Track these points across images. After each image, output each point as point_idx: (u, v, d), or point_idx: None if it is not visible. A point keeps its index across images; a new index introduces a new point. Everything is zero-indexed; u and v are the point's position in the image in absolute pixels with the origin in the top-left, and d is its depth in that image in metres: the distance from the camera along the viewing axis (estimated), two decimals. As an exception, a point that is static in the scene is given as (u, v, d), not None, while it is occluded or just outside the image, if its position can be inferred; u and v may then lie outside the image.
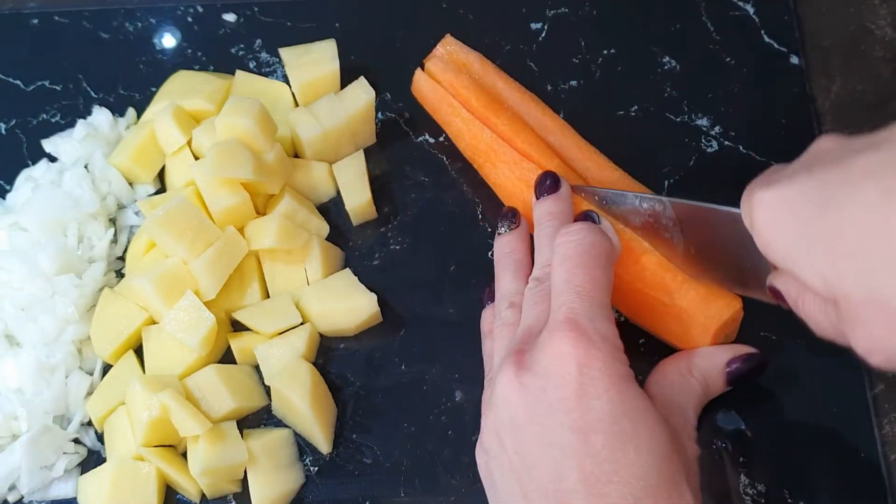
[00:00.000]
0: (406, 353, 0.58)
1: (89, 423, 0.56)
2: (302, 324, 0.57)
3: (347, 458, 0.55)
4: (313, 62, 0.63)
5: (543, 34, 0.67)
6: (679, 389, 0.51)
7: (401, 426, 0.56)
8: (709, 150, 0.63)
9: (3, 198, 0.63)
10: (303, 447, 0.55)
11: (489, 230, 0.61)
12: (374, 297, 0.57)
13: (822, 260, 0.39)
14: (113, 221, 0.62)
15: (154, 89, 0.65)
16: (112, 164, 0.62)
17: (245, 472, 0.53)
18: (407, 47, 0.66)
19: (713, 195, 0.60)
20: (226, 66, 0.67)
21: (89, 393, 0.57)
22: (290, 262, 0.58)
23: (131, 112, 0.65)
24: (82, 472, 0.54)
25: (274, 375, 0.55)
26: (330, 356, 0.58)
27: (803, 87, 0.65)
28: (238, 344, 0.57)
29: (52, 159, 0.64)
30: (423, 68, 0.62)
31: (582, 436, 0.42)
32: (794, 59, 0.65)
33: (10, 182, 0.63)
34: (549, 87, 0.65)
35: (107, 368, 0.57)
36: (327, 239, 0.60)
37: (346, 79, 0.62)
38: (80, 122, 0.64)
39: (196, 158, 0.60)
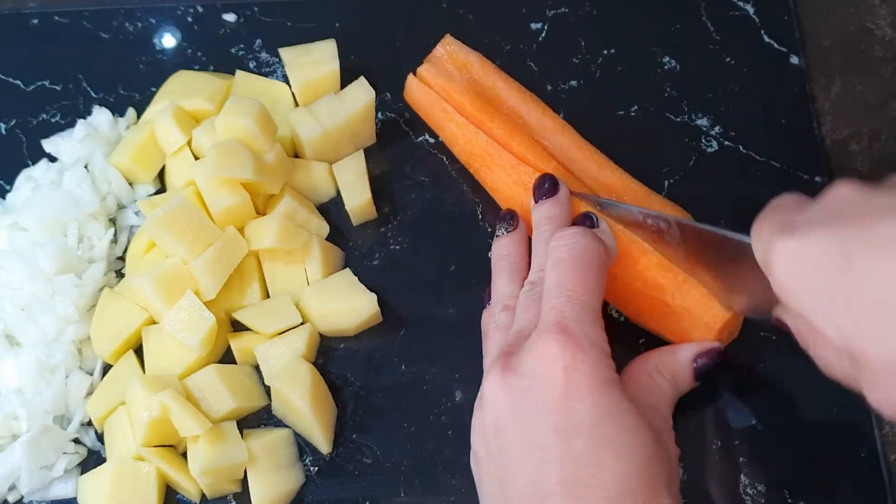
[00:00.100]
0: (406, 353, 0.58)
1: (89, 423, 0.56)
2: (302, 324, 0.57)
3: (347, 458, 0.55)
4: (313, 62, 0.63)
5: (543, 34, 0.67)
6: (649, 390, 0.51)
7: (401, 426, 0.56)
8: (709, 150, 0.63)
9: (3, 198, 0.63)
10: (303, 447, 0.55)
11: (489, 230, 0.61)
12: (374, 297, 0.57)
13: (842, 317, 0.39)
14: (113, 221, 0.62)
15: (154, 89, 0.65)
16: (112, 164, 0.62)
17: (245, 472, 0.53)
18: (407, 47, 0.66)
19: (713, 195, 0.60)
20: (226, 66, 0.67)
21: (89, 393, 0.57)
22: (290, 262, 0.58)
23: (131, 112, 0.65)
24: (82, 472, 0.54)
25: (274, 375, 0.55)
26: (330, 356, 0.58)
27: (803, 87, 0.65)
28: (238, 344, 0.57)
29: (52, 159, 0.64)
30: (414, 73, 0.62)
31: (564, 438, 0.42)
32: (794, 59, 0.65)
33: (10, 182, 0.63)
34: (549, 87, 0.65)
35: (107, 368, 0.57)
36: (327, 239, 0.60)
37: (346, 79, 0.62)
38: (80, 122, 0.64)
39: (196, 158, 0.60)
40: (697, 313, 0.52)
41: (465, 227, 0.61)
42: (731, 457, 0.54)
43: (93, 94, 0.66)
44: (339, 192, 0.62)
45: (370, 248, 0.61)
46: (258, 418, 0.56)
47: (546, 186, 0.54)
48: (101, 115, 0.64)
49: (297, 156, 0.63)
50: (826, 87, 0.65)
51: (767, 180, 0.61)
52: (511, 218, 0.56)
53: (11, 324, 0.57)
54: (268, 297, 0.59)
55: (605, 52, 0.67)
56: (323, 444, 0.55)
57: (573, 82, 0.66)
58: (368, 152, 0.63)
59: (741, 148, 0.63)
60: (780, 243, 0.41)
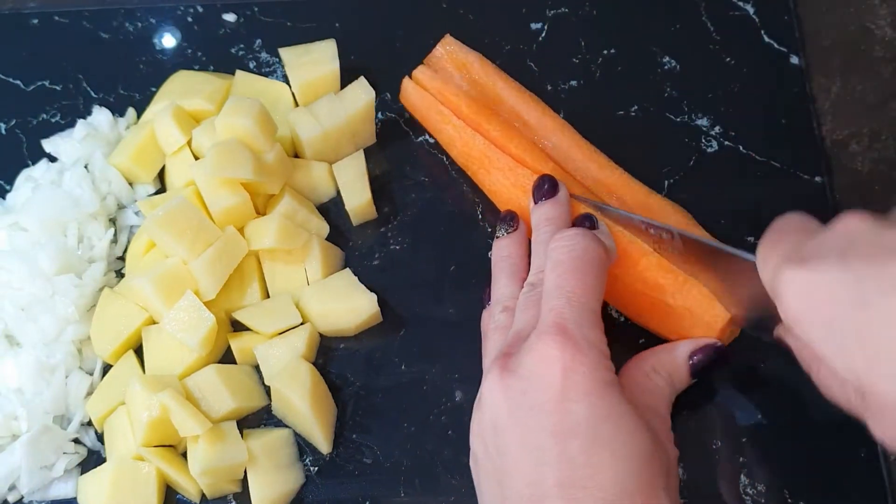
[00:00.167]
0: (406, 353, 0.58)
1: (89, 423, 0.56)
2: (302, 324, 0.57)
3: (347, 458, 0.55)
4: (313, 62, 0.63)
5: (543, 34, 0.67)
6: (646, 390, 0.51)
7: (401, 426, 0.56)
8: (709, 150, 0.63)
9: (3, 198, 0.63)
10: (303, 447, 0.55)
11: (489, 230, 0.61)
12: (374, 297, 0.57)
13: (854, 354, 0.39)
14: (113, 221, 0.62)
15: (154, 89, 0.65)
16: (112, 164, 0.62)
17: (245, 472, 0.53)
18: (407, 47, 0.66)
19: (713, 195, 0.60)
20: (226, 66, 0.67)
21: (89, 393, 0.57)
22: (290, 262, 0.58)
23: (131, 112, 0.65)
24: (82, 472, 0.55)
25: (274, 375, 0.55)
26: (330, 356, 0.58)
27: (803, 87, 0.65)
28: (238, 344, 0.57)
29: (52, 159, 0.64)
30: (410, 76, 0.62)
31: (560, 440, 0.42)
32: (794, 59, 0.65)
33: (10, 182, 0.63)
34: (549, 87, 0.65)
35: (107, 368, 0.57)
36: (327, 239, 0.60)
37: (346, 79, 0.62)
38: (80, 122, 0.64)
39: (196, 158, 0.60)
40: (698, 313, 0.52)
41: (465, 227, 0.61)
42: (731, 457, 0.54)
43: (93, 94, 0.66)
44: (339, 192, 0.62)
45: (370, 248, 0.61)
46: (258, 418, 0.56)
47: (545, 187, 0.54)
48: (101, 115, 0.64)
49: (297, 156, 0.63)
50: (826, 87, 0.65)
51: (767, 180, 0.61)
52: (511, 219, 0.56)
53: (11, 324, 0.57)
54: (268, 297, 0.59)
55: (605, 52, 0.67)
56: (323, 444, 0.55)
57: (573, 82, 0.66)
58: (368, 152, 0.63)
59: (741, 148, 0.63)
60: (790, 272, 0.41)
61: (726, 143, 0.63)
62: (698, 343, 0.52)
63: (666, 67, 0.66)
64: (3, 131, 0.65)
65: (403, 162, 0.63)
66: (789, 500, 0.53)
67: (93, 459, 0.56)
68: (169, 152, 0.61)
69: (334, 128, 0.61)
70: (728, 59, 0.66)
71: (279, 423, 0.56)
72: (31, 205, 0.59)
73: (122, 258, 0.61)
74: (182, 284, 0.55)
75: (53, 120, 0.65)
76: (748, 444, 0.54)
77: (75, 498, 0.54)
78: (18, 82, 0.67)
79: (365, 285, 0.57)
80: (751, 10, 0.67)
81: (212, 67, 0.67)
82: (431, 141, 0.64)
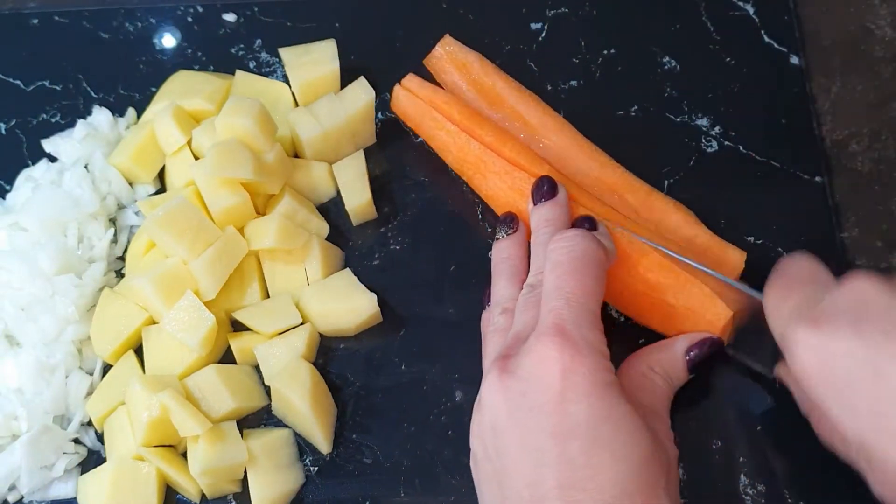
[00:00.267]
0: (406, 353, 0.58)
1: (89, 423, 0.56)
2: (302, 324, 0.57)
3: (347, 458, 0.55)
4: (313, 62, 0.63)
5: (543, 34, 0.67)
6: (644, 390, 0.51)
7: (401, 426, 0.56)
8: (709, 150, 0.63)
9: (3, 198, 0.63)
10: (303, 447, 0.55)
11: (489, 230, 0.61)
12: (374, 297, 0.57)
13: (864, 422, 0.40)
14: (113, 221, 0.62)
15: (154, 89, 0.65)
16: (112, 164, 0.62)
17: (245, 472, 0.53)
18: (407, 47, 0.66)
19: (713, 195, 0.60)
20: (226, 66, 0.67)
21: (89, 393, 0.57)
22: (290, 262, 0.58)
23: (131, 112, 0.65)
24: (82, 472, 0.55)
25: (274, 375, 0.55)
26: (330, 356, 0.58)
27: (803, 87, 0.65)
28: (238, 344, 0.57)
29: (52, 159, 0.64)
30: (412, 74, 0.62)
31: (560, 441, 0.42)
32: (794, 59, 0.65)
33: (10, 182, 0.63)
34: (549, 87, 0.65)
35: (107, 368, 0.57)
36: (327, 239, 0.60)
37: (346, 79, 0.62)
38: (80, 122, 0.64)
39: (196, 158, 0.60)
40: (700, 312, 0.52)
41: (465, 227, 0.61)
42: (731, 457, 0.54)
43: (93, 94, 0.66)
44: (339, 192, 0.62)
45: (370, 248, 0.61)
46: (258, 418, 0.56)
47: (545, 189, 0.54)
48: (101, 115, 0.64)
49: (297, 156, 0.63)
50: (826, 87, 0.65)
51: (767, 180, 0.61)
52: (511, 220, 0.56)
53: (11, 324, 0.57)
54: (268, 297, 0.59)
55: (605, 52, 0.67)
56: (323, 444, 0.55)
57: (573, 82, 0.66)
58: (368, 152, 0.63)
59: (741, 148, 0.63)
60: (803, 332, 0.42)
61: (726, 143, 0.63)
62: (694, 338, 0.52)
63: (666, 67, 0.66)
64: (3, 131, 0.65)
65: (403, 162, 0.63)
66: (789, 500, 0.53)
67: (93, 459, 0.56)
68: (169, 152, 0.61)
69: (334, 128, 0.61)
70: (728, 59, 0.66)
71: (279, 423, 0.56)
72: (31, 205, 0.59)
73: (122, 258, 0.61)
74: (182, 284, 0.55)
75: (53, 120, 0.65)
76: (748, 444, 0.54)
77: (75, 498, 0.54)
78: (18, 82, 0.67)
79: (365, 285, 0.57)
80: (751, 10, 0.67)
81: (212, 67, 0.67)
82: (431, 141, 0.64)
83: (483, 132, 0.58)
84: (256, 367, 0.57)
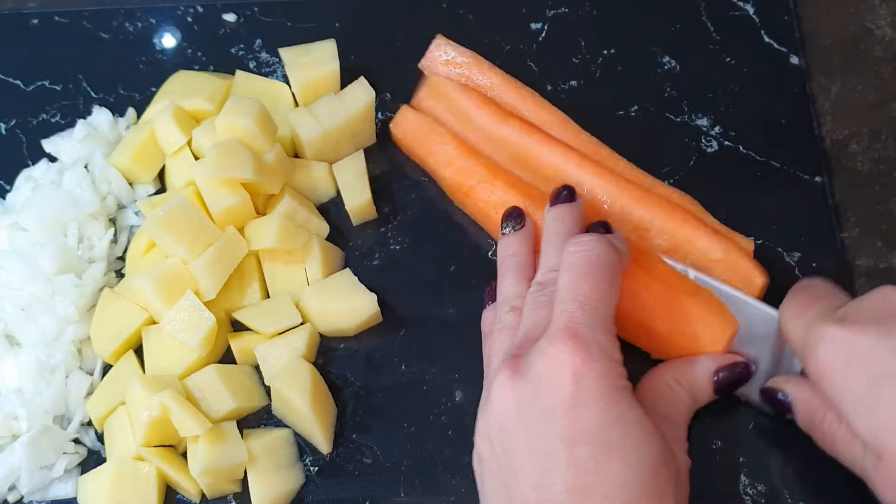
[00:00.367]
0: (406, 353, 0.58)
1: (89, 423, 0.56)
2: (302, 324, 0.57)
3: (347, 458, 0.55)
4: (313, 62, 0.63)
5: (543, 34, 0.67)
6: (667, 400, 0.50)
7: (401, 426, 0.56)
8: (709, 150, 0.63)
9: (3, 198, 0.63)
10: (303, 447, 0.55)
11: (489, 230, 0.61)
12: (374, 297, 0.57)
13: (883, 419, 0.41)
14: (113, 221, 0.62)
15: (154, 89, 0.65)
16: (112, 164, 0.62)
17: (245, 472, 0.53)
18: (407, 47, 0.66)
19: (713, 195, 0.60)
20: (226, 66, 0.67)
21: (89, 393, 0.57)
22: (290, 262, 0.58)
23: (131, 112, 0.65)
24: (82, 472, 0.54)
25: (274, 375, 0.55)
26: (330, 356, 0.58)
27: (803, 87, 0.65)
28: (238, 344, 0.57)
29: (52, 159, 0.64)
30: (406, 107, 0.63)
31: (568, 445, 0.42)
32: (794, 59, 0.65)
33: (10, 182, 0.63)
34: (549, 87, 0.65)
35: (107, 368, 0.57)
36: (327, 239, 0.60)
37: (346, 79, 0.62)
38: (80, 122, 0.64)
39: (196, 158, 0.60)
40: (707, 319, 0.52)
41: (465, 227, 0.61)
42: (731, 457, 0.54)
43: (93, 94, 0.66)
44: (339, 192, 0.62)
45: (370, 248, 0.61)
46: (258, 418, 0.56)
47: (563, 194, 0.53)
48: (101, 115, 0.64)
49: (297, 156, 0.63)
50: (826, 87, 0.65)
51: (767, 180, 0.61)
52: (517, 216, 0.55)
53: (11, 324, 0.57)
54: (268, 297, 0.59)
55: (605, 52, 0.67)
56: (323, 444, 0.55)
57: (573, 82, 0.66)
58: (368, 152, 0.62)
59: (741, 148, 0.63)
60: (831, 329, 0.44)
61: (726, 143, 0.63)
62: (725, 360, 0.52)
63: (666, 67, 0.66)
64: (3, 131, 0.65)
65: (403, 162, 0.63)
66: (789, 500, 0.53)
67: (93, 459, 0.56)
68: (169, 152, 0.61)
69: (334, 128, 0.61)
70: (728, 59, 0.66)
71: (279, 423, 0.56)
72: (31, 205, 0.59)
73: (122, 258, 0.61)
74: (182, 284, 0.55)
75: (53, 120, 0.65)
76: (748, 444, 0.54)
77: (75, 498, 0.54)
78: (18, 82, 0.67)
79: (365, 285, 0.57)
80: (751, 10, 0.67)
81: (212, 67, 0.67)
82: (431, 141, 0.64)
83: (478, 161, 0.59)
84: (256, 367, 0.57)
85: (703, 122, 0.64)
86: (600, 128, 0.62)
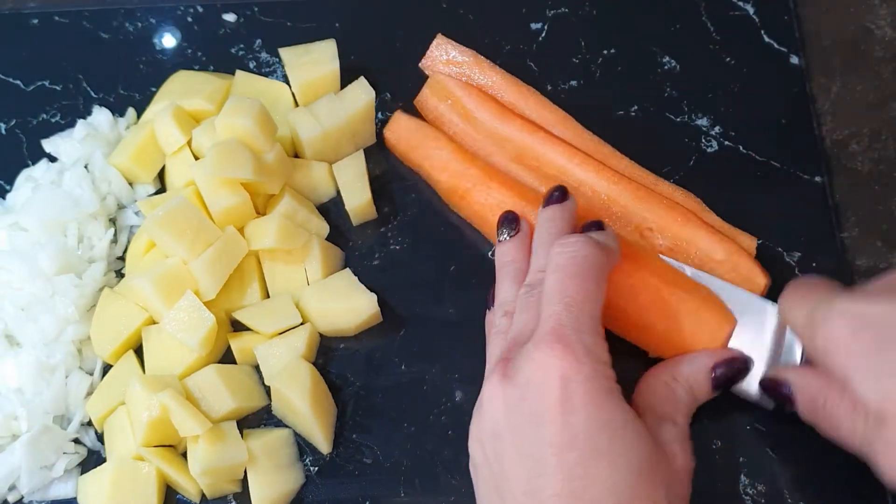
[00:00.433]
0: (406, 353, 0.58)
1: (89, 423, 0.56)
2: (302, 324, 0.57)
3: (347, 458, 0.55)
4: (313, 62, 0.63)
5: (543, 34, 0.67)
6: (665, 399, 0.50)
7: (401, 426, 0.56)
8: (709, 150, 0.63)
9: (3, 198, 0.63)
10: (303, 447, 0.55)
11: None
12: (374, 297, 0.57)
13: (891, 380, 0.42)
14: (113, 221, 0.62)
15: (154, 89, 0.65)
16: (112, 164, 0.62)
17: (245, 472, 0.53)
18: (407, 47, 0.66)
19: (713, 195, 0.60)
20: (226, 66, 0.67)
21: (89, 393, 0.57)
22: (290, 262, 0.58)
23: (131, 112, 0.65)
24: (82, 472, 0.54)
25: (274, 375, 0.55)
26: (330, 356, 0.58)
27: (803, 87, 0.65)
28: (238, 344, 0.57)
29: (52, 159, 0.64)
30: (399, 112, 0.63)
31: (557, 452, 0.42)
32: (794, 59, 0.66)
33: (10, 182, 0.63)
34: (549, 87, 0.65)
35: (107, 368, 0.57)
36: (327, 239, 0.60)
37: (346, 79, 0.62)
38: (80, 122, 0.64)
39: (196, 158, 0.60)
40: (705, 317, 0.52)
41: (465, 228, 0.61)
42: (731, 457, 0.54)
43: (93, 94, 0.66)
44: (339, 192, 0.62)
45: (370, 248, 0.61)
46: (258, 418, 0.56)
47: (556, 195, 0.54)
48: (101, 115, 0.64)
49: (297, 156, 0.63)
50: (826, 87, 0.65)
51: (767, 180, 0.61)
52: (513, 221, 0.55)
53: (11, 324, 0.57)
54: (268, 297, 0.59)
55: (605, 52, 0.67)
56: (323, 444, 0.55)
57: (573, 82, 0.66)
58: (368, 152, 0.62)
59: (741, 148, 0.63)
60: (839, 303, 0.44)
61: (726, 143, 0.63)
62: (722, 355, 0.51)
63: (666, 67, 0.66)
64: (3, 131, 0.65)
65: (403, 162, 0.63)
66: (789, 501, 0.53)
67: (93, 459, 0.56)
68: (169, 152, 0.61)
69: (334, 128, 0.61)
70: (728, 59, 0.66)
71: (279, 423, 0.56)
72: (31, 205, 0.59)
73: (122, 258, 0.61)
74: (182, 284, 0.55)
75: (53, 120, 0.65)
76: (748, 444, 0.54)
77: (75, 498, 0.54)
78: (18, 82, 0.67)
79: (365, 285, 0.57)
80: (751, 10, 0.67)
81: (212, 67, 0.67)
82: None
83: (473, 164, 0.59)
84: (256, 367, 0.57)
85: (703, 122, 0.64)
86: (600, 128, 0.62)
